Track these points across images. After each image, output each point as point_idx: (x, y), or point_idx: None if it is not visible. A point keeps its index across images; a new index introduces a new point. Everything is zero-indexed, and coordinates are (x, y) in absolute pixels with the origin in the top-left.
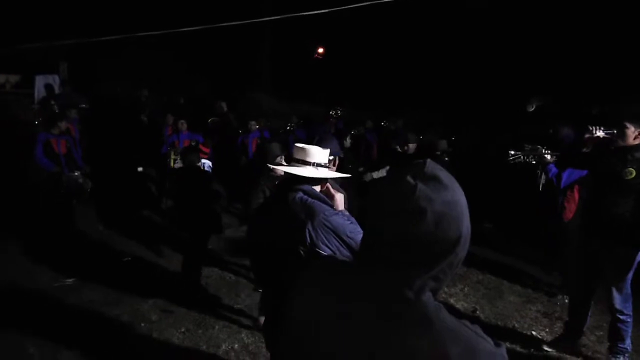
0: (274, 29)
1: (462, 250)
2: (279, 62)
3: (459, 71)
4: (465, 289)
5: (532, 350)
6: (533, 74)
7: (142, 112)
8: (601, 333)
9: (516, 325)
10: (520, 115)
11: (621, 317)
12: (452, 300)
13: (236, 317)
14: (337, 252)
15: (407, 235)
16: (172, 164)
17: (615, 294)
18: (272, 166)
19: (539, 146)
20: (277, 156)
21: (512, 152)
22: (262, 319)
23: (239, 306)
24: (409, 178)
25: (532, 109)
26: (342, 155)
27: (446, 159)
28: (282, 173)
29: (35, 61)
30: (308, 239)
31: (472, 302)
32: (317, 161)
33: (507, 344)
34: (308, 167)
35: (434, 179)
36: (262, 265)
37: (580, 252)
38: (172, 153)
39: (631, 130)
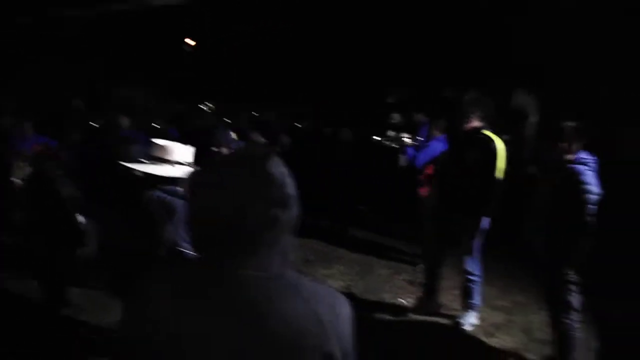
0: (148, 24)
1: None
2: (151, 56)
3: (327, 63)
4: (341, 268)
5: (401, 317)
6: (394, 68)
7: None
8: (457, 292)
9: (386, 295)
10: (383, 105)
11: (471, 277)
12: (329, 281)
13: (100, 334)
14: None
15: (274, 221)
16: (18, 172)
17: (466, 258)
18: (127, 165)
19: (394, 132)
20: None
21: (376, 139)
22: None
23: (106, 321)
24: (268, 168)
25: (393, 100)
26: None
27: (338, 148)
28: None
29: None
30: (168, 237)
31: (347, 280)
32: (177, 159)
33: (379, 314)
34: (167, 165)
35: (282, 166)
36: (120, 272)
37: (435, 223)
38: (19, 160)
39: (473, 116)
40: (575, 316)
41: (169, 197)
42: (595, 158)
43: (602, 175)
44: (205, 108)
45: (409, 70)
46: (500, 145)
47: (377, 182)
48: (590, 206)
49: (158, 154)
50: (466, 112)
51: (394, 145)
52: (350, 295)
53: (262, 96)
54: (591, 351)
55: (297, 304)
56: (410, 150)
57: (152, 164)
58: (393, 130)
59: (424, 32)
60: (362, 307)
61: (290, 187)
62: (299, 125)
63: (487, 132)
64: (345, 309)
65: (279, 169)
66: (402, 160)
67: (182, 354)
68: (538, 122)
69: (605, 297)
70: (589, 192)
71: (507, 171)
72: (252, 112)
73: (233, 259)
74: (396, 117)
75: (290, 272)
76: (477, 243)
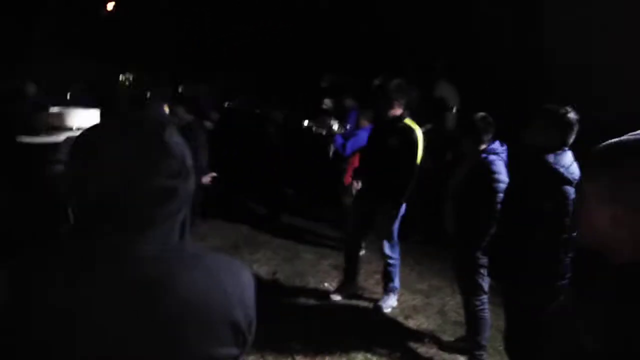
0: None
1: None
2: (62, 17)
3: (261, 42)
4: (267, 253)
5: (324, 301)
6: (328, 52)
7: None
8: (378, 277)
9: (311, 280)
10: (315, 90)
11: (390, 261)
12: (255, 266)
13: None
14: None
15: (171, 193)
16: None
17: (384, 242)
18: (25, 139)
19: (326, 118)
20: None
21: (306, 124)
22: None
23: None
24: (163, 137)
25: (327, 84)
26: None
27: (271, 130)
28: None
29: None
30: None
31: (273, 265)
32: (79, 125)
33: (303, 299)
34: (66, 133)
35: (178, 135)
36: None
37: (358, 210)
38: None
39: (395, 104)
40: (484, 298)
41: None
42: (505, 147)
43: (510, 165)
44: (123, 78)
45: (344, 55)
46: (419, 134)
47: (306, 167)
48: (499, 194)
49: (55, 122)
50: (389, 99)
51: (323, 132)
52: (276, 280)
53: (190, 69)
54: (500, 332)
55: (200, 276)
56: (339, 138)
57: (50, 134)
58: (324, 115)
59: (358, 17)
60: (288, 292)
61: (188, 157)
62: (228, 104)
63: (408, 121)
64: (247, 277)
65: (174, 138)
66: (331, 148)
67: (70, 336)
68: (459, 113)
69: (511, 281)
70: (499, 180)
71: (425, 159)
72: (179, 86)
73: (126, 234)
74: (328, 103)
75: (191, 245)
76: (395, 228)
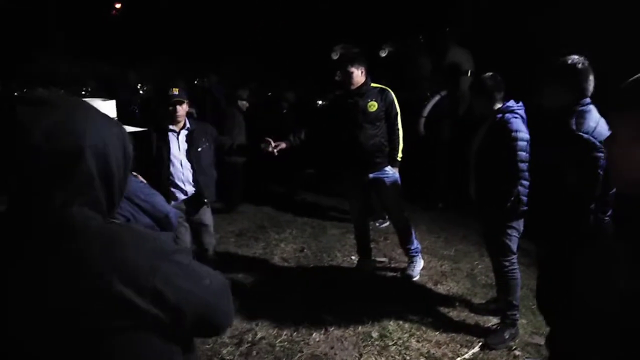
0: None
1: (95, 162)
2: (71, 19)
3: (273, 18)
4: (294, 231)
5: (353, 273)
6: (336, 24)
7: None
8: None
9: (338, 254)
10: (325, 66)
11: (401, 226)
12: (282, 244)
13: None
14: (132, 219)
15: (17, 156)
16: None
17: (392, 210)
18: None
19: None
20: None
21: (320, 102)
22: None
23: None
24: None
25: (337, 56)
26: None
27: (284, 110)
28: None
29: None
30: None
31: (300, 242)
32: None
33: (332, 272)
34: None
35: (41, 103)
36: None
37: (348, 184)
38: None
39: (357, 72)
40: (514, 258)
41: None
42: (522, 104)
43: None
44: (135, 75)
45: (349, 27)
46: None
47: (323, 145)
48: (520, 152)
49: None
50: (352, 66)
51: None
52: (304, 256)
53: (201, 57)
54: (531, 291)
55: (71, 251)
56: None
57: None
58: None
59: None
60: (316, 266)
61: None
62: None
63: (377, 85)
64: (136, 242)
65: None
66: None
67: None
68: (474, 76)
69: (539, 239)
70: (517, 139)
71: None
72: (196, 80)
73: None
74: (340, 75)
75: (86, 214)
76: (395, 194)
